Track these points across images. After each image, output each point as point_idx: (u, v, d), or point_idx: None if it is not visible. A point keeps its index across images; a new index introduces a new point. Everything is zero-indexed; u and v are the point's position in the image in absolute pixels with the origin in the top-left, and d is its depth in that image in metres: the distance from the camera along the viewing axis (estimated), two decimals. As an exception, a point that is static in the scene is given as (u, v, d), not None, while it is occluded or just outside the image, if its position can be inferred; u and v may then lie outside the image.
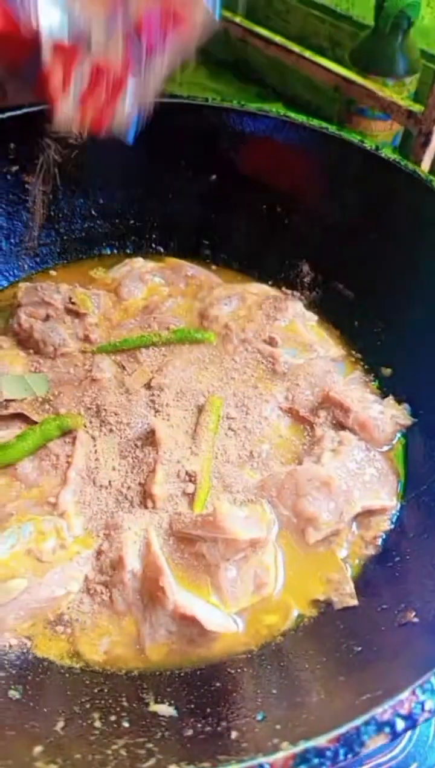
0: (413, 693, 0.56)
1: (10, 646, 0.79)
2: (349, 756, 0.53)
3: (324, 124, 1.14)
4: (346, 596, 0.83)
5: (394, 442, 1.01)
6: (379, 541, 0.90)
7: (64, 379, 1.04)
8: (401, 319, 1.09)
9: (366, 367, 1.13)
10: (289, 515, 0.89)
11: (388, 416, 1.00)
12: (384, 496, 0.93)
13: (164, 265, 1.21)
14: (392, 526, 0.92)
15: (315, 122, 1.14)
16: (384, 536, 0.91)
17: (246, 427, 0.99)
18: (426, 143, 1.32)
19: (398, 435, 1.01)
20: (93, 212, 1.22)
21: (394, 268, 1.09)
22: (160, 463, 0.91)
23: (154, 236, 1.26)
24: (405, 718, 0.55)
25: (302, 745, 0.52)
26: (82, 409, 0.98)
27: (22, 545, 0.83)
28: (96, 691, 0.74)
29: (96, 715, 0.68)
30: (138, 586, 0.82)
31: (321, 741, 0.53)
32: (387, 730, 0.54)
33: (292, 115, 1.15)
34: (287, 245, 1.20)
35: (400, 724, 0.54)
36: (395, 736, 0.54)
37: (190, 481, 0.91)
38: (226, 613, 0.82)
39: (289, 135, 1.15)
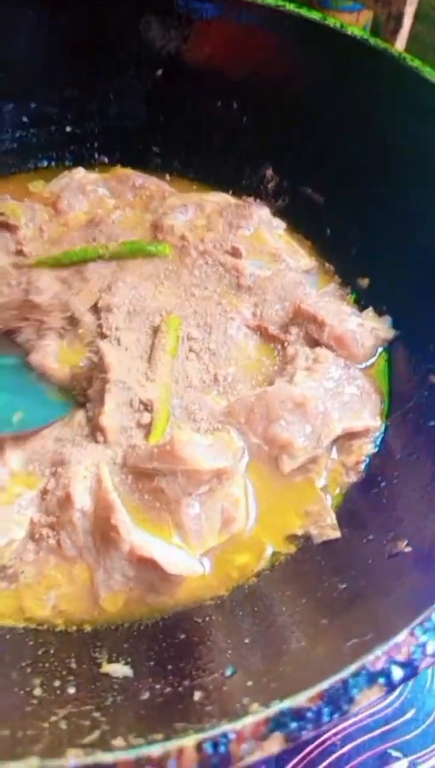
0: (411, 634, 0.45)
1: None
2: (336, 716, 0.42)
3: (280, 2, 1.00)
4: (327, 528, 0.73)
5: (375, 357, 0.90)
6: (362, 467, 0.80)
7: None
8: (377, 223, 0.97)
9: (341, 278, 1.01)
10: (260, 443, 0.78)
11: (367, 329, 0.89)
12: (366, 416, 0.82)
13: (109, 176, 1.07)
14: (376, 450, 0.82)
15: (270, 0, 1.00)
16: (367, 461, 0.80)
17: (209, 348, 0.87)
18: (397, 28, 1.18)
19: (380, 350, 0.90)
20: (24, 119, 1.06)
21: (367, 165, 0.96)
22: (108, 392, 0.79)
23: (96, 144, 1.11)
24: (403, 665, 0.44)
25: (276, 707, 0.42)
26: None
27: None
28: (40, 653, 0.63)
29: (37, 681, 0.58)
30: (89, 526, 0.71)
31: (300, 700, 0.42)
32: (381, 680, 0.44)
33: (246, -7, 1.00)
34: (247, 147, 1.07)
35: (398, 673, 0.44)
36: (392, 687, 0.44)
37: (146, 409, 0.79)
38: (191, 555, 0.72)
39: (243, 17, 1.00)
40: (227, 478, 0.74)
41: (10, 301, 0.90)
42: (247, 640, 0.59)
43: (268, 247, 0.99)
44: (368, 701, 0.43)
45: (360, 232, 0.99)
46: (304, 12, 0.98)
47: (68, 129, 1.09)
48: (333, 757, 0.74)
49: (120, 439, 0.77)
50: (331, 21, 0.97)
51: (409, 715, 0.77)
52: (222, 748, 0.40)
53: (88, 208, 1.03)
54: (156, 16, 1.01)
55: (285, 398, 0.78)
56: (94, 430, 0.78)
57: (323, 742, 0.74)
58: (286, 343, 0.89)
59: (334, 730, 0.75)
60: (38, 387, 0.83)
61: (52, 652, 0.64)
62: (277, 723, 0.41)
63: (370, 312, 0.94)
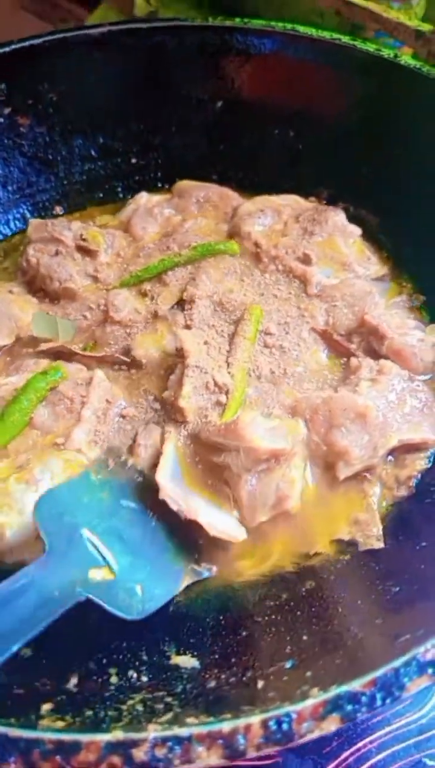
0: (458, 629, 0.49)
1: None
2: (388, 701, 0.46)
3: (335, 35, 1.05)
4: (372, 538, 0.76)
5: None
6: (413, 482, 0.82)
7: (81, 326, 0.98)
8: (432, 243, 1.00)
9: (413, 289, 1.03)
10: (320, 443, 0.82)
11: (428, 344, 0.91)
12: (426, 428, 0.84)
13: (170, 195, 1.13)
14: (429, 465, 0.84)
15: (325, 34, 1.05)
16: (419, 477, 0.83)
17: (282, 346, 0.92)
18: None
19: None
20: (93, 153, 1.14)
21: (421, 187, 1.00)
22: (187, 376, 0.85)
23: (159, 174, 1.17)
24: (451, 657, 0.48)
25: (333, 691, 0.46)
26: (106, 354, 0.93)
27: (58, 478, 0.78)
28: (112, 646, 0.68)
29: (113, 671, 0.63)
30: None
31: (355, 685, 0.47)
32: (430, 671, 0.48)
33: (301, 28, 1.06)
34: (304, 172, 1.12)
35: (446, 664, 0.48)
36: (440, 677, 0.48)
37: (222, 392, 0.85)
38: (238, 524, 0.77)
39: (299, 50, 1.07)
40: (286, 459, 0.79)
41: (93, 322, 0.97)
42: (305, 637, 0.63)
43: (339, 255, 1.02)
44: (418, 688, 0.47)
45: (415, 249, 1.03)
46: (359, 44, 1.03)
47: (133, 161, 1.16)
48: (368, 763, 0.76)
49: (197, 420, 0.83)
50: (387, 51, 1.02)
51: None
52: (285, 726, 0.45)
53: (159, 229, 1.08)
54: (215, 53, 1.08)
55: (348, 407, 0.82)
56: (175, 412, 0.84)
57: (359, 749, 0.77)
58: (351, 351, 0.92)
59: (369, 738, 0.77)
60: (159, 539, 0.76)
61: (124, 645, 0.69)
62: (334, 705, 0.46)
63: None
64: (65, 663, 0.65)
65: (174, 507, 0.74)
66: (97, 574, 0.67)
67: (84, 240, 1.03)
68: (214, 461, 0.79)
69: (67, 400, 0.86)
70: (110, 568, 0.69)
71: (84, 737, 0.46)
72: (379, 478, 0.83)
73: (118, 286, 1.00)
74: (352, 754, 0.77)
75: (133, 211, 1.10)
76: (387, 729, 0.78)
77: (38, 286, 1.01)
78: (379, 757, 0.77)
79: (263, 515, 0.77)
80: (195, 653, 0.65)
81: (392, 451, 0.83)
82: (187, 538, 0.76)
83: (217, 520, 0.75)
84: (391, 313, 0.95)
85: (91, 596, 0.64)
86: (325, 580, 0.74)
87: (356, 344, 0.93)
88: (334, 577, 0.74)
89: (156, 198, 1.12)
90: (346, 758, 0.77)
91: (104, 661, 0.65)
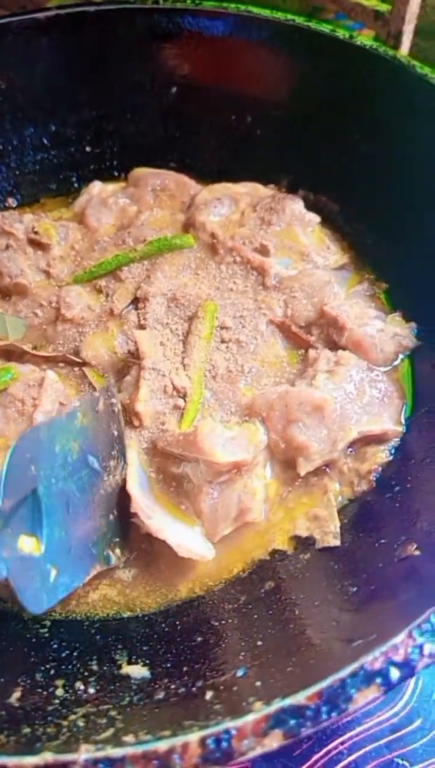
0: (409, 635, 0.47)
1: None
2: (334, 714, 0.44)
3: (290, 16, 1.02)
4: (330, 535, 0.74)
5: (396, 363, 0.89)
6: (374, 476, 0.80)
7: (33, 323, 0.94)
8: (391, 226, 0.98)
9: (375, 278, 1.00)
10: (278, 440, 0.80)
11: (388, 335, 0.88)
12: (386, 419, 0.82)
13: (125, 183, 1.09)
14: (391, 458, 0.81)
15: (279, 15, 1.02)
16: (380, 470, 0.80)
17: (239, 340, 0.89)
18: (396, 46, 1.18)
19: (401, 356, 0.89)
20: (45, 141, 1.10)
21: (383, 171, 0.98)
22: (144, 378, 0.82)
23: (114, 163, 1.14)
24: (400, 665, 0.46)
25: (276, 705, 0.44)
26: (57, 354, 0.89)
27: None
28: (63, 655, 0.66)
29: (59, 683, 0.61)
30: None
31: (299, 698, 0.44)
32: (378, 680, 0.45)
33: (254, 10, 1.03)
34: (263, 159, 1.09)
35: (395, 674, 0.46)
36: (389, 687, 0.45)
37: (180, 395, 0.82)
38: (206, 541, 0.75)
39: (252, 32, 1.03)
40: (247, 470, 0.77)
41: (44, 320, 0.93)
42: (259, 642, 0.61)
43: (297, 245, 0.99)
44: (366, 700, 0.44)
45: (376, 236, 1.00)
46: (313, 25, 1.00)
47: (88, 149, 1.12)
48: (340, 765, 0.75)
49: (155, 424, 0.80)
50: (341, 32, 0.99)
51: (415, 725, 0.77)
52: (224, 744, 0.43)
53: (114, 221, 1.05)
54: (167, 37, 1.05)
55: (304, 401, 0.79)
56: (130, 416, 0.81)
57: (330, 750, 0.76)
58: (310, 343, 0.89)
59: (341, 739, 0.76)
60: (99, 512, 0.74)
61: (75, 654, 0.66)
62: (276, 720, 0.43)
63: (396, 316, 0.92)
64: (11, 675, 0.62)
65: (145, 521, 0.71)
66: (26, 545, 0.65)
67: (36, 233, 1.00)
68: (174, 472, 0.76)
69: (18, 402, 0.83)
70: (38, 540, 0.66)
71: (10, 761, 0.43)
72: (340, 472, 0.80)
73: (70, 282, 0.97)
74: (323, 756, 0.75)
75: (87, 202, 1.06)
76: (358, 729, 0.77)
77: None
78: (351, 758, 0.75)
79: (226, 528, 0.75)
80: (147, 662, 0.63)
81: (352, 444, 0.81)
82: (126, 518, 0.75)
83: (185, 539, 0.72)
84: (351, 303, 0.92)
85: (9, 579, 0.61)
86: (284, 580, 0.72)
87: (316, 336, 0.90)
88: (292, 577, 0.71)
89: (110, 187, 1.09)
90: (317, 760, 0.75)
91: (52, 672, 0.63)
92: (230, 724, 0.43)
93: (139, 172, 1.09)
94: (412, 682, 0.80)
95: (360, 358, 0.86)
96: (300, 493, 0.80)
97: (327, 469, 0.80)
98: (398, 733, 0.77)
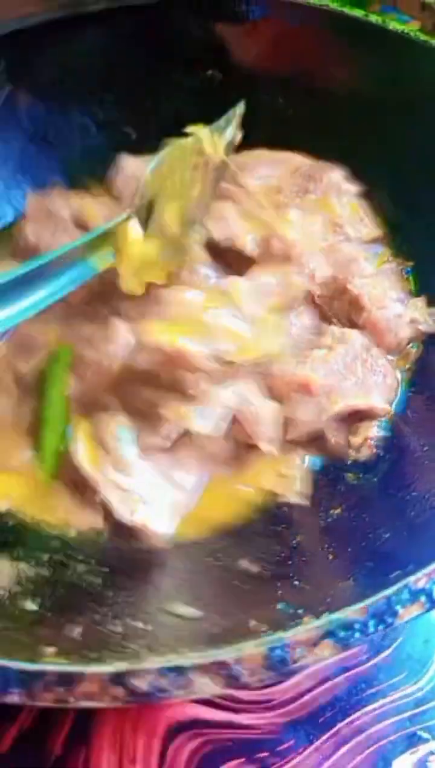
0: (451, 559, 0.50)
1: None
2: (380, 627, 0.48)
3: (324, 2, 1.05)
4: (294, 493, 0.80)
5: (408, 349, 0.91)
6: (371, 445, 0.83)
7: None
8: (426, 207, 0.99)
9: (404, 256, 1.00)
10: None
11: (405, 320, 0.89)
12: (376, 396, 0.84)
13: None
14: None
15: (315, 1, 1.05)
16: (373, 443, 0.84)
17: None
18: None
19: (413, 344, 0.91)
20: (89, 125, 1.14)
21: (414, 153, 1.00)
22: None
23: (152, 145, 1.17)
24: (443, 584, 0.49)
25: (326, 618, 0.47)
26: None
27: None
28: (119, 600, 0.70)
29: (118, 622, 0.65)
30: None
31: (347, 613, 0.48)
32: (422, 598, 0.49)
33: (292, -5, 1.06)
34: (296, 139, 1.10)
35: (439, 591, 0.49)
36: (433, 604, 0.49)
37: None
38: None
39: (288, 17, 1.06)
40: None
41: None
42: (296, 582, 0.65)
43: (332, 215, 0.99)
44: (410, 615, 0.48)
45: (410, 215, 1.01)
46: (347, 10, 1.03)
47: (126, 130, 1.16)
48: (363, 735, 0.78)
49: None
50: (374, 17, 1.02)
51: None
52: (278, 652, 0.46)
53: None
54: (205, 19, 1.08)
55: (290, 380, 0.83)
56: None
57: (353, 720, 0.79)
58: (330, 317, 0.92)
59: (365, 710, 0.79)
60: None
61: (130, 600, 0.70)
62: (327, 632, 0.47)
63: (419, 301, 0.93)
64: (69, 615, 0.66)
65: None
66: None
67: (81, 216, 1.02)
68: None
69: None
70: None
71: (86, 669, 0.47)
72: (326, 440, 0.83)
73: None
74: (346, 725, 0.79)
75: (118, 177, 1.08)
76: (381, 701, 0.80)
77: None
78: (374, 729, 0.78)
79: None
80: (195, 604, 0.67)
81: (342, 418, 0.84)
82: None
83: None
84: (376, 283, 0.92)
85: None
86: (316, 532, 0.76)
87: (336, 311, 0.92)
88: (324, 530, 0.76)
89: (139, 160, 1.09)
90: (340, 729, 0.78)
91: (109, 614, 0.67)
92: (283, 634, 0.47)
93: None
94: (436, 659, 0.83)
95: (366, 339, 0.88)
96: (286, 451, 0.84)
97: (316, 440, 0.84)
98: (422, 708, 0.80)
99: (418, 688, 0.81)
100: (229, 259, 0.96)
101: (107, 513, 0.77)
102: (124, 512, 0.76)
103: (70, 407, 0.84)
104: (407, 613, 0.48)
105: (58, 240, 0.99)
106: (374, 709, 0.79)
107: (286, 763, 0.76)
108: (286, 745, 0.77)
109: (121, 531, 0.77)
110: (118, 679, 0.47)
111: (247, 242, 0.93)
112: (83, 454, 0.79)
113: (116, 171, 1.10)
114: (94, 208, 1.04)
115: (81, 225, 1.02)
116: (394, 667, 0.82)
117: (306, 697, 0.80)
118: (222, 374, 0.79)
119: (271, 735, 0.77)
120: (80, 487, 0.79)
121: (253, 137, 1.12)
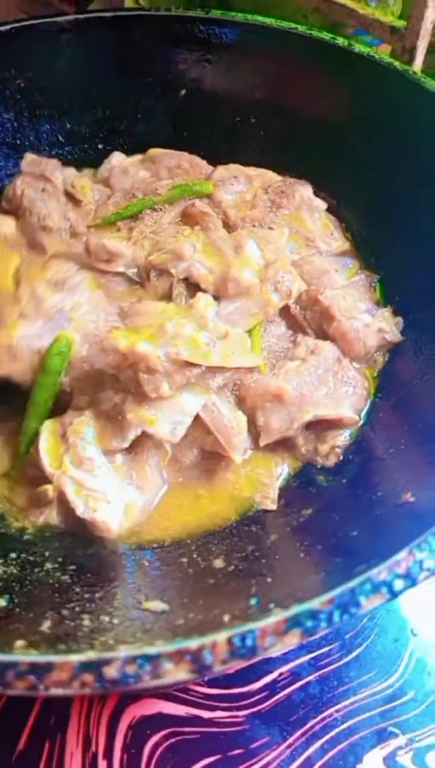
0: (410, 552, 0.53)
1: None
2: (345, 617, 0.50)
3: (293, 25, 1.09)
4: (268, 500, 0.84)
5: (377, 358, 0.95)
6: (337, 454, 0.87)
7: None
8: (389, 223, 1.04)
9: (371, 269, 1.05)
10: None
11: (373, 329, 0.93)
12: (345, 407, 0.88)
13: (144, 157, 1.15)
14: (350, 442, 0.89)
15: (284, 24, 1.09)
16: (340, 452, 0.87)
17: None
18: (410, 61, 1.25)
19: (381, 352, 0.95)
20: (60, 138, 1.17)
21: (378, 171, 1.05)
22: None
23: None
24: (403, 577, 0.52)
25: (294, 609, 0.49)
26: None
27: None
28: (86, 597, 0.71)
29: (86, 617, 0.66)
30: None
31: (314, 604, 0.50)
32: (384, 590, 0.51)
33: (260, 18, 1.10)
34: (267, 158, 1.15)
35: (399, 584, 0.51)
36: (393, 595, 0.51)
37: None
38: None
39: (259, 40, 1.10)
40: None
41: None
42: (268, 580, 0.67)
43: (304, 230, 1.03)
44: (373, 605, 0.50)
45: (374, 228, 1.06)
46: (314, 33, 1.07)
47: (100, 146, 1.19)
48: (334, 731, 0.80)
49: None
50: (341, 40, 1.06)
51: (408, 696, 0.83)
52: (249, 641, 0.48)
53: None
54: (179, 42, 1.12)
55: (264, 391, 0.86)
56: None
57: (325, 717, 0.81)
58: (304, 327, 0.95)
59: (336, 707, 0.82)
60: None
61: (97, 596, 0.71)
62: (294, 622, 0.49)
63: (386, 311, 0.96)
64: (40, 609, 0.67)
65: None
66: None
67: (73, 187, 1.06)
68: None
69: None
70: None
71: (57, 658, 0.48)
72: (295, 448, 0.88)
73: (101, 224, 1.02)
74: (318, 722, 0.81)
75: (110, 170, 1.12)
76: (353, 699, 0.83)
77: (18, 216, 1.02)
78: (344, 725, 0.81)
79: None
80: (164, 599, 0.68)
81: (312, 426, 0.88)
82: None
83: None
84: (346, 294, 0.97)
85: None
86: (289, 532, 0.78)
87: (308, 321, 0.96)
88: (292, 529, 0.78)
89: (129, 159, 1.14)
90: (313, 726, 0.81)
91: (77, 609, 0.68)
92: (253, 625, 0.49)
93: (155, 151, 1.14)
94: (406, 656, 0.86)
95: (337, 350, 0.92)
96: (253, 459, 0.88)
97: (288, 445, 0.88)
98: (392, 704, 0.83)
99: (389, 685, 0.84)
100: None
101: (62, 507, 0.80)
102: (78, 506, 0.78)
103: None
104: (370, 603, 0.50)
105: (44, 201, 1.02)
106: (346, 706, 0.82)
107: (260, 759, 0.77)
108: (259, 742, 0.78)
109: (75, 524, 0.79)
110: (87, 667, 0.48)
111: (209, 286, 0.94)
112: (45, 449, 0.81)
113: (109, 166, 1.13)
114: (88, 185, 1.07)
115: (70, 195, 1.05)
116: (365, 665, 0.85)
117: (279, 695, 0.82)
118: (184, 379, 0.81)
119: (245, 732, 0.79)
120: (40, 481, 0.81)
121: (226, 155, 1.17)
